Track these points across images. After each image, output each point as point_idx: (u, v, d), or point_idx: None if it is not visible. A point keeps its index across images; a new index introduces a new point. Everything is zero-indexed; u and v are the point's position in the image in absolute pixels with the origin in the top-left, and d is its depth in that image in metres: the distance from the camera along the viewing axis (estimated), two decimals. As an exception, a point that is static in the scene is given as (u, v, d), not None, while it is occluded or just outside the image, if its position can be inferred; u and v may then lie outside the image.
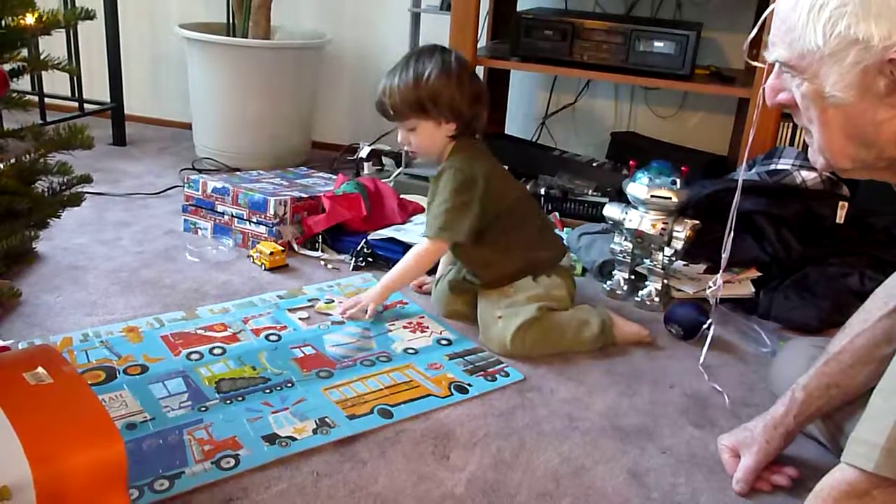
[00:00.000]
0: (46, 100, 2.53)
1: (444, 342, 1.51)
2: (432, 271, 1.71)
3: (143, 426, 1.16)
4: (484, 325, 1.53)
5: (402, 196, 2.14)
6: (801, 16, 0.79)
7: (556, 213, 2.15)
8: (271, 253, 1.79)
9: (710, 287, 1.47)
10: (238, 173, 2.24)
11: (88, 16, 1.24)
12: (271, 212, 1.87)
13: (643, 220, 1.68)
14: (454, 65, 1.51)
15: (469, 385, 1.36)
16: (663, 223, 1.66)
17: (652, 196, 1.66)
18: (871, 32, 0.75)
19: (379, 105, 1.55)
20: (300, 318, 1.56)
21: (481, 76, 2.44)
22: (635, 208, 1.70)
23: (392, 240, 1.89)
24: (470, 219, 1.52)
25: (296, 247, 1.91)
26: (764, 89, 0.93)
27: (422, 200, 2.13)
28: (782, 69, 0.87)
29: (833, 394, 1.11)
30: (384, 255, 1.86)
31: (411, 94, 1.49)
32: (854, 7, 0.75)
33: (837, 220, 1.79)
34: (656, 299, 1.73)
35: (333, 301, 1.63)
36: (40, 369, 0.94)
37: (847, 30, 0.76)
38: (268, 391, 1.29)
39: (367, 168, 2.50)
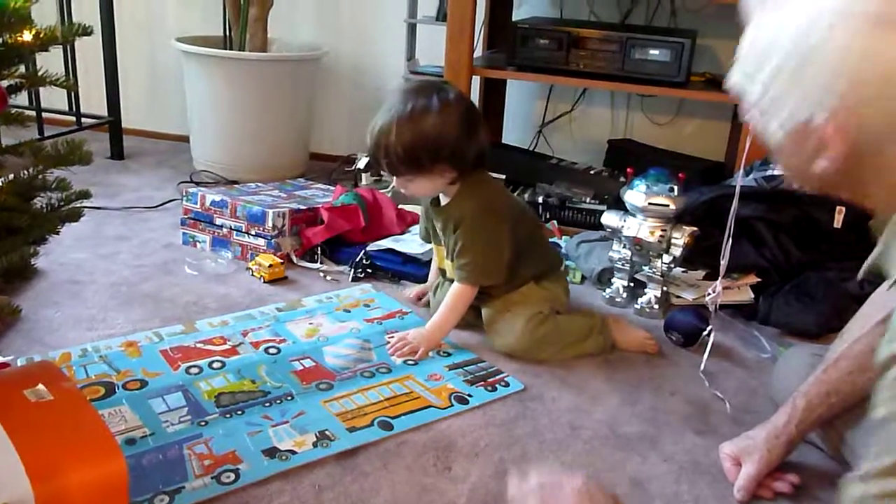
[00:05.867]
0: (44, 114, 2.53)
1: (443, 353, 1.51)
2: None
3: (143, 441, 1.16)
4: (490, 322, 1.53)
5: (400, 206, 2.14)
6: (748, 62, 0.79)
7: (555, 222, 2.16)
8: (270, 265, 1.79)
9: (709, 293, 1.47)
10: (236, 186, 2.24)
11: (86, 31, 1.25)
12: (270, 224, 1.87)
13: (641, 228, 1.68)
14: (454, 109, 1.40)
15: (469, 395, 1.36)
16: (662, 230, 1.67)
17: (650, 203, 1.66)
18: (800, 99, 0.75)
19: (372, 158, 1.46)
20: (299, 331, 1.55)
21: (477, 86, 2.45)
22: (633, 216, 1.70)
23: (391, 251, 1.90)
24: (503, 261, 1.50)
25: (295, 259, 1.91)
26: None
27: (420, 211, 2.13)
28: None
29: (833, 401, 1.10)
30: (383, 266, 1.86)
31: (408, 153, 1.38)
32: (787, 75, 0.75)
33: (835, 225, 1.79)
34: (656, 306, 1.73)
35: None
36: (40, 386, 0.94)
37: (778, 92, 0.77)
38: (267, 404, 1.28)
39: (365, 179, 2.50)
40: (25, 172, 1.28)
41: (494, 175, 2.19)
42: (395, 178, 1.47)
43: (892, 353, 0.67)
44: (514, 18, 2.44)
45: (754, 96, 0.78)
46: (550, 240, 1.89)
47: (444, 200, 1.53)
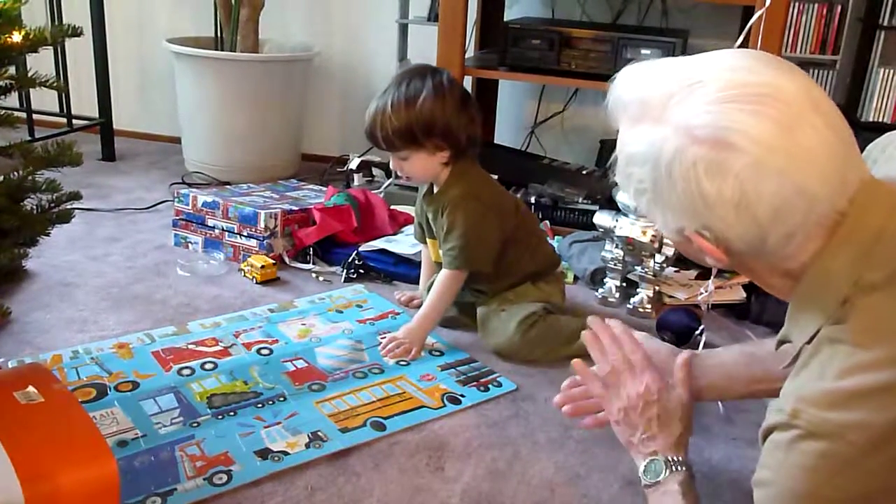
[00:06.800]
0: (35, 116, 2.52)
1: (435, 353, 1.51)
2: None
3: (135, 443, 1.15)
4: (485, 322, 1.54)
5: (392, 207, 2.14)
6: (618, 170, 0.80)
7: (547, 222, 2.16)
8: (262, 266, 1.79)
9: (701, 293, 1.48)
10: (228, 187, 2.24)
11: (75, 32, 1.24)
12: (262, 225, 1.86)
13: (634, 227, 1.68)
14: (447, 89, 1.44)
15: (462, 396, 1.36)
16: (654, 230, 1.67)
17: (641, 203, 1.66)
18: (665, 216, 0.76)
19: (369, 135, 1.47)
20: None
21: (469, 86, 2.45)
22: (626, 215, 1.70)
23: (383, 251, 1.90)
24: (490, 249, 1.51)
25: (287, 260, 1.91)
26: None
27: (412, 211, 2.13)
28: None
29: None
30: (375, 267, 1.86)
31: (402, 125, 1.41)
32: (649, 193, 0.76)
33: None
34: (648, 306, 1.73)
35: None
36: (31, 388, 0.93)
37: (645, 206, 0.78)
38: (260, 405, 1.28)
39: (357, 179, 2.50)
40: (15, 174, 1.27)
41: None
42: (391, 156, 1.49)
43: (770, 424, 0.73)
44: (505, 18, 2.44)
45: (630, 202, 0.80)
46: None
47: (435, 190, 1.54)
